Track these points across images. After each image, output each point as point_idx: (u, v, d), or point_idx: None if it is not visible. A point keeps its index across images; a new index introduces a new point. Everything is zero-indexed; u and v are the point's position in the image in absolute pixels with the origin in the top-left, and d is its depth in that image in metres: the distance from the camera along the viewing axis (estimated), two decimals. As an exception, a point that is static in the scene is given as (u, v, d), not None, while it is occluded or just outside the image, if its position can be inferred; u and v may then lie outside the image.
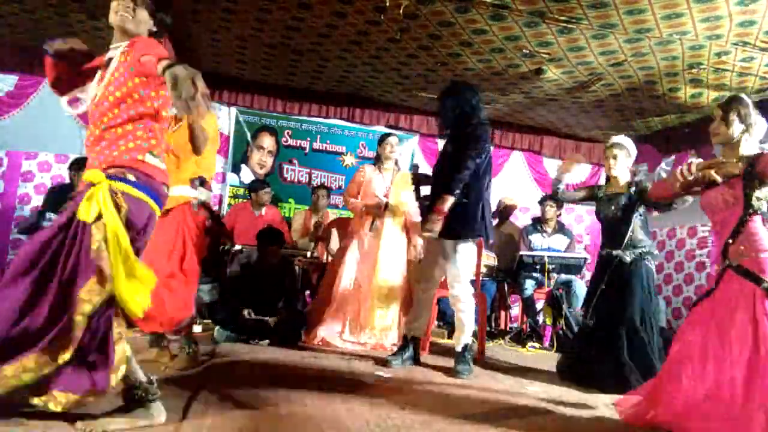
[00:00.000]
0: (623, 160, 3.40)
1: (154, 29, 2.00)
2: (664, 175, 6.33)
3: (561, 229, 5.57)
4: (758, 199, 2.30)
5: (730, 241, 2.32)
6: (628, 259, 3.28)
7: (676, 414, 2.23)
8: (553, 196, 3.76)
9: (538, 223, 5.60)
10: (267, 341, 3.77)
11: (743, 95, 2.45)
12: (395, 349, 3.91)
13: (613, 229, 3.38)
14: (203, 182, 3.03)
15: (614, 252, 3.32)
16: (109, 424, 1.74)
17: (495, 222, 6.07)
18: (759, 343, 2.14)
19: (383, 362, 3.30)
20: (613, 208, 3.35)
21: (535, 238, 5.44)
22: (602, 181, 3.69)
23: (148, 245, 1.92)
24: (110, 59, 1.91)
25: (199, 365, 2.83)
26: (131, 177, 1.80)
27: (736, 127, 2.37)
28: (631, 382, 2.96)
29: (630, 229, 3.31)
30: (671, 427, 2.23)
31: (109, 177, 1.77)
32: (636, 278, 3.24)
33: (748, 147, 2.38)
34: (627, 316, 3.17)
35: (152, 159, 1.88)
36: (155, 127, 1.92)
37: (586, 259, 5.12)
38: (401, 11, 3.93)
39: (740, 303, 2.23)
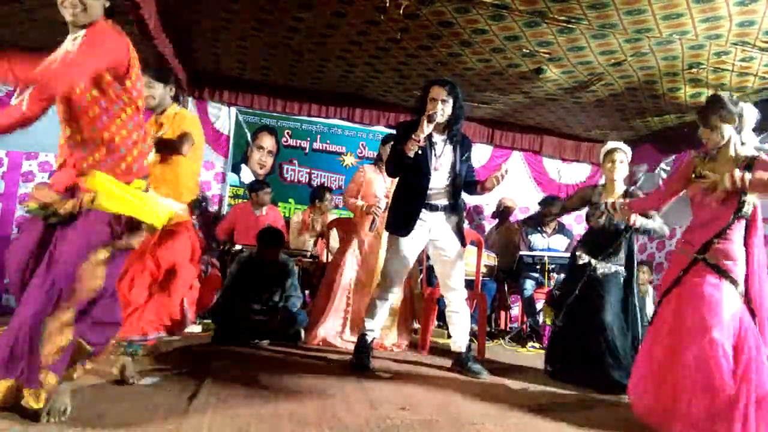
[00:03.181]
0: (625, 165, 3.42)
1: (107, 4, 1.89)
2: (663, 174, 6.34)
3: (561, 229, 5.57)
4: (746, 203, 2.31)
5: (716, 241, 2.34)
6: (603, 271, 3.31)
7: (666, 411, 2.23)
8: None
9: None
10: (267, 341, 3.78)
11: (718, 94, 2.44)
12: (395, 349, 3.92)
13: (600, 240, 3.39)
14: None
15: (591, 260, 3.35)
16: None
17: (495, 222, 6.09)
18: (743, 335, 2.19)
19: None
20: (607, 221, 3.36)
21: (535, 238, 5.44)
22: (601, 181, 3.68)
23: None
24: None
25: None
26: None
27: (724, 129, 2.36)
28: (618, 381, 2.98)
29: (616, 245, 3.33)
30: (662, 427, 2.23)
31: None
32: (611, 290, 3.26)
33: (744, 139, 2.37)
34: (602, 324, 3.17)
35: (150, 159, 1.99)
36: (141, 119, 1.96)
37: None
38: (401, 11, 3.93)
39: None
